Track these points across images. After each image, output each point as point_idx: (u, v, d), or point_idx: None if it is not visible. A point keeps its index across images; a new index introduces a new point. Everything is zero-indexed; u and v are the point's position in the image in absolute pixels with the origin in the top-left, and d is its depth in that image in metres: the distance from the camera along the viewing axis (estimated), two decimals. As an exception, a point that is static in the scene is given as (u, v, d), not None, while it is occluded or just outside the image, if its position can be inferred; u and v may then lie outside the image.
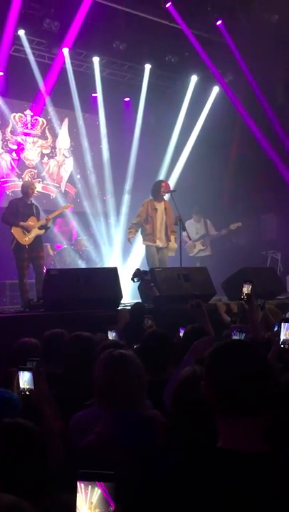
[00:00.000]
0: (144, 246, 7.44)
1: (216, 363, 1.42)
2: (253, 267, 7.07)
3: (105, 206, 10.59)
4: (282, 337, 2.20)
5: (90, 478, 1.06)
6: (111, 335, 3.54)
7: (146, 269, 6.78)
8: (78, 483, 1.06)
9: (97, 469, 1.10)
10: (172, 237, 7.38)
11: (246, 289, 3.69)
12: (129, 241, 7.50)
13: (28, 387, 2.14)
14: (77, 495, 1.06)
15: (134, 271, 6.17)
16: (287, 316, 4.49)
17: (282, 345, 2.18)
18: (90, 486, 1.05)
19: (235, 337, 3.00)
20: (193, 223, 9.56)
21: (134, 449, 1.77)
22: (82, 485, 1.06)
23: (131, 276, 6.17)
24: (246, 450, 1.31)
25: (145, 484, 1.51)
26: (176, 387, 1.91)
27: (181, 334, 3.52)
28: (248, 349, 1.44)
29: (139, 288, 6.33)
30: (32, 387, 2.12)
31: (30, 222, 6.86)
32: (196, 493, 1.27)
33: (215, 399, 1.39)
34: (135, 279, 6.00)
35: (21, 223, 6.77)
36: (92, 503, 1.05)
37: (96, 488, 1.05)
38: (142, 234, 7.38)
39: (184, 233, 7.56)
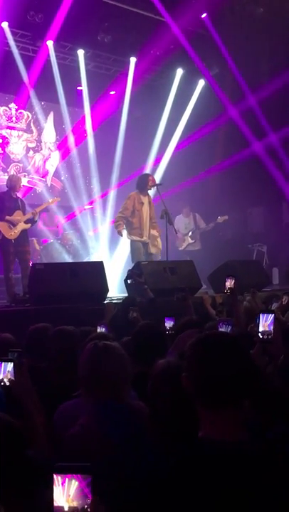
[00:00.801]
0: (129, 240, 7.41)
1: (196, 355, 1.43)
2: (238, 260, 7.13)
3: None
4: (261, 328, 2.22)
5: (66, 471, 1.06)
6: (100, 330, 3.54)
7: (132, 264, 6.79)
8: (55, 476, 1.06)
9: (80, 461, 1.10)
10: (158, 237, 7.32)
11: (229, 283, 3.74)
12: (120, 234, 7.37)
13: (8, 377, 2.13)
14: (54, 487, 1.06)
15: (127, 272, 6.13)
16: (273, 306, 4.55)
17: (261, 336, 2.21)
18: (66, 479, 1.06)
19: (221, 329, 3.02)
20: (182, 218, 9.62)
21: (118, 441, 1.79)
22: (59, 478, 1.06)
23: (124, 278, 6.13)
24: (226, 439, 1.33)
25: (128, 476, 1.52)
26: (151, 380, 1.93)
27: (167, 325, 3.53)
28: (228, 341, 1.45)
29: (126, 282, 6.34)
30: (13, 377, 2.11)
31: (16, 216, 6.81)
32: (179, 482, 1.29)
33: (195, 390, 1.40)
34: (129, 281, 5.98)
35: (7, 217, 6.72)
36: (69, 495, 1.06)
37: (73, 481, 1.06)
38: (127, 228, 7.35)
39: (172, 227, 7.55)
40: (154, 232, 7.33)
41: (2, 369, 2.13)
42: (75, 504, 1.06)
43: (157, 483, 1.31)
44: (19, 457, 1.42)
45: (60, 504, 1.06)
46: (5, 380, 2.11)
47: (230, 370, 1.37)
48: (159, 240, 7.34)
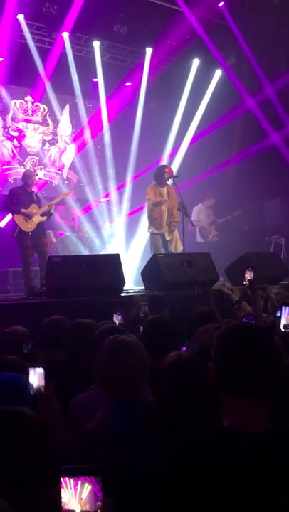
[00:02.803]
0: (149, 233, 7.38)
1: (224, 344, 1.46)
2: (255, 253, 7.05)
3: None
4: (283, 321, 2.19)
5: (77, 474, 1.03)
6: (117, 318, 3.53)
7: (149, 255, 6.76)
8: (64, 479, 1.03)
9: (96, 456, 1.08)
10: (176, 233, 7.24)
11: (249, 275, 3.68)
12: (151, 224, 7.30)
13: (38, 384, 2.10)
14: (63, 490, 1.03)
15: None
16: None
17: (283, 330, 2.18)
18: (79, 482, 1.03)
19: None
20: (203, 209, 9.55)
21: (134, 436, 1.77)
22: (71, 481, 1.03)
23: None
24: (251, 429, 1.34)
25: (144, 470, 1.50)
26: (162, 372, 1.91)
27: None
28: (255, 332, 1.48)
29: (142, 274, 6.32)
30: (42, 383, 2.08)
31: (32, 209, 6.83)
32: (201, 470, 1.30)
33: (220, 379, 1.43)
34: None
35: (23, 210, 6.74)
36: (82, 499, 1.03)
37: (86, 484, 1.03)
38: (148, 219, 7.30)
39: (188, 219, 7.49)
40: (175, 234, 7.25)
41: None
42: (87, 508, 1.03)
43: (180, 473, 1.32)
44: (37, 451, 1.41)
45: (72, 508, 1.03)
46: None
47: (256, 359, 1.40)
48: (179, 242, 7.24)
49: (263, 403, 1.39)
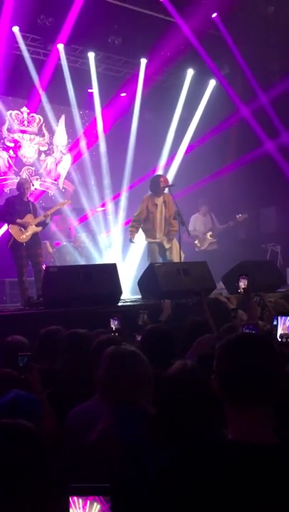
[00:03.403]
0: (146, 242, 7.40)
1: (227, 355, 1.43)
2: (252, 260, 7.06)
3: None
4: (280, 331, 2.18)
5: (86, 493, 1.00)
6: (113, 323, 3.52)
7: (146, 264, 6.76)
8: (73, 499, 1.00)
9: (99, 469, 1.06)
10: (174, 241, 7.24)
11: (243, 283, 3.68)
12: (131, 241, 7.37)
13: None
14: (71, 510, 0.99)
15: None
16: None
17: (280, 339, 2.17)
18: (88, 502, 0.99)
19: None
20: (200, 217, 9.59)
21: (137, 448, 1.76)
22: (80, 500, 0.99)
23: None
24: (257, 441, 1.31)
25: (147, 483, 1.49)
26: (166, 381, 1.90)
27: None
28: (258, 342, 1.45)
29: (139, 283, 6.31)
30: None
31: (27, 219, 6.83)
32: (206, 485, 1.27)
33: (225, 391, 1.40)
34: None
35: (18, 220, 6.73)
36: None
37: (95, 504, 0.99)
38: (143, 230, 7.34)
39: (185, 228, 7.49)
40: (173, 245, 7.25)
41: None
42: None
43: (184, 487, 1.29)
44: (41, 467, 1.40)
45: None
46: None
47: (261, 370, 1.37)
48: (177, 250, 7.22)
49: (269, 414, 1.36)
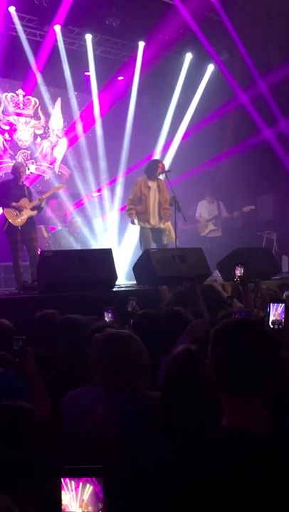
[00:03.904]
0: (139, 227, 7.36)
1: (222, 340, 1.39)
2: (247, 248, 7.06)
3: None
4: (272, 317, 2.19)
5: (78, 474, 1.00)
6: (107, 316, 3.49)
7: (140, 251, 6.75)
8: (65, 481, 1.00)
9: (97, 452, 1.06)
10: (169, 223, 7.24)
11: (239, 271, 3.68)
12: (132, 222, 7.33)
13: None
14: (64, 492, 1.00)
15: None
16: (284, 295, 4.50)
17: (271, 326, 2.17)
18: (80, 484, 1.00)
19: None
20: (206, 204, 9.62)
21: (137, 431, 1.76)
22: (72, 482, 1.00)
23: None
24: (253, 430, 1.29)
25: (144, 470, 1.49)
26: (169, 364, 1.89)
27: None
28: (254, 328, 1.42)
29: (134, 269, 6.31)
30: None
31: (23, 203, 6.78)
32: (203, 471, 1.25)
33: (220, 378, 1.36)
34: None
35: (13, 204, 6.69)
36: (83, 500, 1.00)
37: (88, 485, 1.00)
38: (136, 214, 7.29)
39: (180, 213, 7.47)
40: (167, 224, 7.25)
41: None
42: (90, 509, 1.00)
43: (176, 475, 1.28)
44: (40, 446, 1.40)
45: (73, 510, 1.00)
46: None
47: (257, 357, 1.34)
48: (172, 231, 7.24)
49: (265, 402, 1.33)
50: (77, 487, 1.00)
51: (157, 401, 1.96)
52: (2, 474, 1.31)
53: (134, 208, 7.21)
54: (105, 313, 3.48)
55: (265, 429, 1.31)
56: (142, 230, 7.27)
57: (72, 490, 1.00)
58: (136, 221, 7.24)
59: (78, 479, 1.00)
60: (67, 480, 1.00)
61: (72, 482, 1.00)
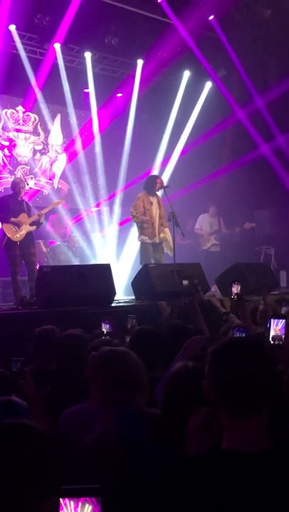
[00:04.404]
0: (140, 243, 7.37)
1: (220, 360, 1.38)
2: (245, 263, 7.08)
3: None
4: (272, 333, 2.20)
5: (77, 494, 0.99)
6: (105, 327, 3.48)
7: (139, 266, 6.76)
8: (64, 501, 0.98)
9: (96, 469, 1.06)
10: (168, 235, 7.27)
11: (235, 288, 3.68)
12: (142, 221, 7.22)
13: None
14: None
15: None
16: (283, 311, 4.50)
17: (272, 342, 2.18)
18: (80, 503, 0.98)
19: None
20: (208, 217, 9.66)
21: (137, 449, 1.75)
22: (72, 502, 0.98)
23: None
24: (253, 449, 1.28)
25: (146, 488, 1.48)
26: (167, 381, 1.89)
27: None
28: (252, 347, 1.41)
29: (133, 284, 6.32)
30: None
31: (21, 218, 6.81)
32: (205, 495, 1.24)
33: (219, 398, 1.35)
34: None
35: (12, 219, 6.72)
36: None
37: (87, 505, 0.98)
38: (138, 229, 7.32)
39: (179, 228, 7.49)
40: (166, 234, 7.28)
41: None
42: None
43: (181, 497, 1.25)
44: (47, 464, 1.40)
45: None
46: None
47: (256, 376, 1.33)
48: (170, 241, 7.25)
49: (264, 420, 1.32)
50: (76, 507, 0.99)
51: (156, 418, 1.96)
52: (5, 490, 1.32)
53: (138, 215, 7.19)
54: (103, 324, 3.47)
55: (264, 447, 1.30)
56: (143, 245, 7.29)
57: (71, 510, 0.99)
58: (139, 227, 7.23)
59: (78, 499, 0.99)
60: (66, 500, 0.99)
61: (72, 502, 0.99)
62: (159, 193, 7.42)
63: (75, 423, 2.07)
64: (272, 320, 2.28)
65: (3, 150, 9.78)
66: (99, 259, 9.25)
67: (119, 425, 1.83)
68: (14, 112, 9.94)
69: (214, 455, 1.32)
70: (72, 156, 10.53)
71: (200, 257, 8.70)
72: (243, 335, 2.80)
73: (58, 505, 1.00)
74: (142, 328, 3.21)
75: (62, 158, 10.57)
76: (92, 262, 8.99)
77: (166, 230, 7.29)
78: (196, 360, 2.12)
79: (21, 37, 8.86)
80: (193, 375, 1.78)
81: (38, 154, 10.30)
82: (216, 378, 1.36)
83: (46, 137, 10.39)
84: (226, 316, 4.12)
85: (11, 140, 9.88)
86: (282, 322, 2.20)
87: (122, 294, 7.64)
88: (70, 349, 2.73)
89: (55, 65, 9.45)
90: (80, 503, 0.99)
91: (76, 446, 1.91)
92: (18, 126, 9.99)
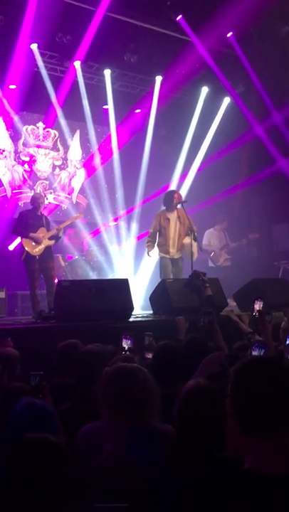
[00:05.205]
0: (159, 257, 7.43)
1: (243, 380, 1.37)
2: (264, 278, 7.05)
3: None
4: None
5: None
6: (126, 343, 3.47)
7: (158, 280, 6.77)
8: None
9: (109, 490, 1.06)
10: (188, 242, 7.26)
11: (258, 305, 3.68)
12: (148, 254, 7.46)
13: None
14: None
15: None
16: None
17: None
18: None
19: (254, 352, 2.97)
20: (216, 233, 9.62)
21: (149, 468, 1.74)
22: None
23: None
24: (277, 471, 1.26)
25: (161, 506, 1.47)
26: (179, 401, 1.89)
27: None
28: (275, 366, 1.40)
29: (151, 299, 6.33)
30: None
31: (40, 233, 6.90)
32: None
33: (242, 418, 1.33)
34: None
35: (31, 234, 6.81)
36: None
37: None
38: (157, 245, 7.39)
39: (196, 243, 7.50)
40: (186, 242, 7.29)
41: None
42: None
43: None
44: (62, 477, 1.42)
45: None
46: None
47: (278, 396, 1.31)
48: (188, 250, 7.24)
49: (287, 440, 1.30)
50: None
51: (169, 434, 1.95)
52: (26, 504, 1.33)
53: (152, 240, 7.31)
54: (124, 340, 3.46)
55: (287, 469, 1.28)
56: (162, 259, 7.34)
57: None
58: (151, 253, 7.37)
59: None
60: None
61: None
62: (180, 206, 7.43)
63: (94, 440, 2.07)
64: (289, 337, 2.27)
65: (23, 165, 9.94)
66: (116, 273, 9.28)
67: (130, 445, 1.82)
68: (35, 128, 10.11)
69: (236, 476, 1.30)
70: (90, 171, 10.65)
71: (214, 271, 8.66)
72: (262, 351, 2.78)
73: None
74: (165, 344, 3.20)
75: (81, 174, 10.70)
76: (110, 276, 9.02)
77: (187, 238, 7.29)
78: (214, 377, 2.12)
79: (42, 55, 9.05)
80: (206, 393, 1.78)
81: (57, 169, 10.44)
82: (239, 398, 1.35)
83: (65, 153, 10.54)
84: (251, 335, 4.10)
85: (31, 156, 10.04)
86: (301, 339, 2.18)
87: (140, 308, 7.65)
88: (88, 365, 2.74)
89: (75, 83, 9.61)
90: None
91: (88, 466, 1.91)
92: (38, 142, 10.16)
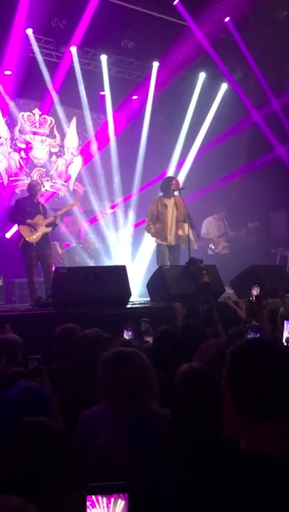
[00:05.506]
0: (156, 244, 7.41)
1: (240, 362, 1.36)
2: (261, 265, 7.05)
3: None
4: (286, 335, 2.20)
5: (110, 491, 1.01)
6: (127, 334, 3.45)
7: (156, 267, 6.77)
8: (96, 498, 1.00)
9: (108, 474, 1.07)
10: (185, 231, 7.23)
11: (255, 291, 3.70)
12: (153, 236, 7.37)
13: None
14: (95, 510, 1.00)
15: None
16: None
17: (285, 343, 2.18)
18: (112, 500, 1.00)
19: (250, 336, 2.98)
20: (214, 221, 9.63)
21: (144, 451, 1.75)
22: (104, 499, 1.00)
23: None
24: (277, 452, 1.26)
25: (154, 492, 1.48)
26: (173, 385, 1.89)
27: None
28: (272, 348, 1.40)
29: (148, 286, 6.33)
30: None
31: (37, 220, 6.87)
32: (228, 498, 1.22)
33: (239, 401, 1.33)
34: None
35: (28, 221, 6.79)
36: None
37: (120, 501, 1.01)
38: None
39: (194, 231, 7.48)
40: (183, 231, 7.26)
41: None
42: None
43: (203, 501, 1.24)
44: (60, 461, 1.42)
45: None
46: None
47: (275, 377, 1.31)
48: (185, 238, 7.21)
49: (285, 424, 1.29)
50: (108, 503, 1.01)
51: (168, 418, 1.96)
52: (26, 485, 1.34)
53: (152, 222, 7.27)
54: (125, 331, 3.45)
55: (286, 450, 1.28)
56: (159, 246, 7.33)
57: (104, 507, 1.01)
58: (153, 233, 7.30)
59: (110, 496, 1.01)
60: (99, 497, 1.01)
61: (104, 499, 1.01)
62: (177, 193, 7.40)
63: (89, 426, 2.07)
64: (286, 322, 2.28)
65: (19, 152, 9.87)
66: (114, 260, 9.28)
67: (127, 428, 1.82)
68: (31, 114, 10.03)
69: (234, 454, 1.30)
70: (87, 158, 10.59)
71: (212, 259, 8.66)
72: (258, 335, 2.79)
73: (84, 502, 1.01)
74: (166, 329, 3.20)
75: (78, 161, 10.64)
76: (107, 263, 9.02)
77: (185, 225, 7.24)
78: (211, 363, 2.13)
79: (38, 40, 8.94)
80: (200, 376, 1.79)
81: (54, 157, 10.38)
82: (236, 380, 1.34)
83: (62, 140, 10.47)
84: (248, 320, 4.12)
85: (27, 143, 9.97)
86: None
87: (137, 295, 7.66)
88: (86, 351, 2.74)
89: (72, 68, 9.51)
90: (112, 499, 1.01)
91: (88, 450, 1.92)
92: (34, 129, 10.08)
